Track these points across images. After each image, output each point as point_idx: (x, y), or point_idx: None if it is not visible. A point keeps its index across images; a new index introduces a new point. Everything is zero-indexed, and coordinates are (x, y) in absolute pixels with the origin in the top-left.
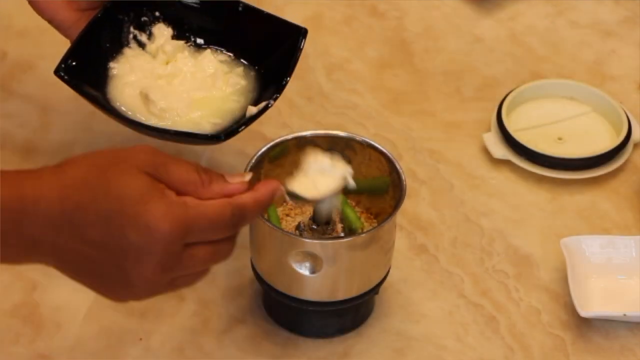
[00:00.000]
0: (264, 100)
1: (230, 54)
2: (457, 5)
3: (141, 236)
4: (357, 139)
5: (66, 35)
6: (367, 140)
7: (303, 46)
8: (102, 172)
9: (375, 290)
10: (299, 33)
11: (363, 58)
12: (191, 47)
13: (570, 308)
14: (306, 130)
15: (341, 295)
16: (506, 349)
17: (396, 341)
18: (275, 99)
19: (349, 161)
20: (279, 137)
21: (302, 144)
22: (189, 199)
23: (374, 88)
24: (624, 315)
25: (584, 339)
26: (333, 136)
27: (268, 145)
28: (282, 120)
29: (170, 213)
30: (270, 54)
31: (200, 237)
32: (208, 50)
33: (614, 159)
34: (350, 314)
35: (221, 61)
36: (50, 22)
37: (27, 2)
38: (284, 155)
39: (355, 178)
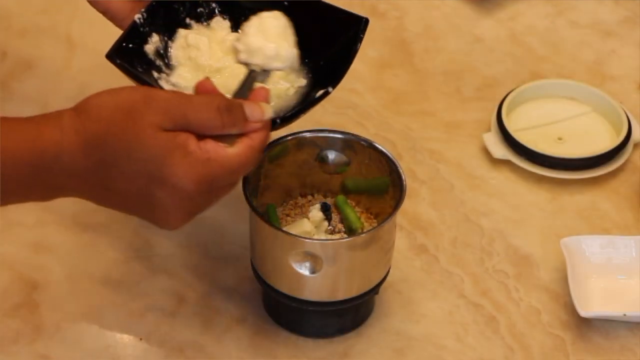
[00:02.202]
0: (319, 91)
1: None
2: (457, 5)
3: (169, 195)
4: (357, 139)
5: (121, 27)
6: (367, 140)
7: (364, 36)
8: (122, 132)
9: (375, 290)
10: (360, 23)
11: (363, 58)
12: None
13: (570, 308)
14: (306, 130)
15: (341, 295)
16: (506, 349)
17: (396, 341)
18: (334, 87)
19: (349, 162)
20: (279, 137)
21: (302, 144)
22: (212, 151)
23: (374, 88)
24: (624, 315)
25: (584, 339)
26: (333, 136)
27: (268, 145)
28: None
29: (195, 172)
30: (329, 44)
31: (224, 184)
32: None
33: (614, 159)
34: (350, 314)
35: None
36: (104, 13)
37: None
38: (284, 155)
39: (355, 178)
